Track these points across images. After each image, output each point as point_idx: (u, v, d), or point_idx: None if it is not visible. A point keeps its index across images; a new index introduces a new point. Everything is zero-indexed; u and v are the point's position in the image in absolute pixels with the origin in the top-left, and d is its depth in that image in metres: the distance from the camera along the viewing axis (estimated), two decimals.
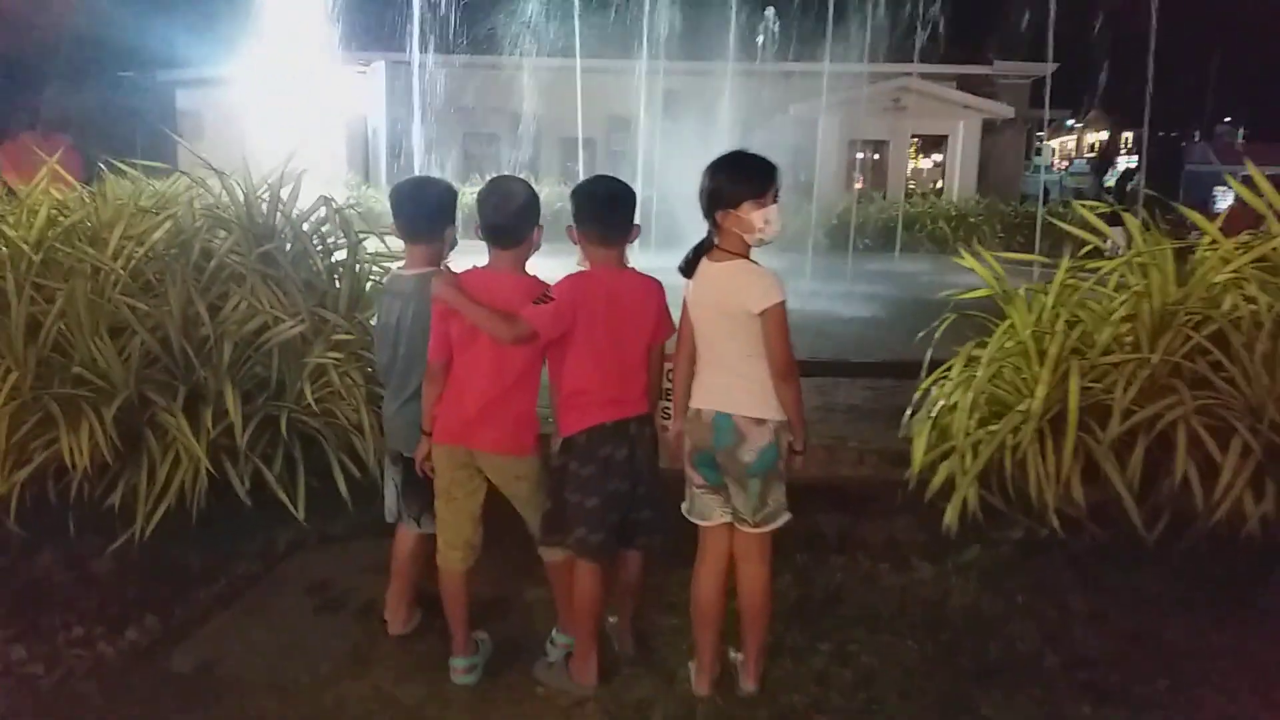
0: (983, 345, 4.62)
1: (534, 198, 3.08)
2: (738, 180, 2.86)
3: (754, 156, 2.92)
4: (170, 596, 3.67)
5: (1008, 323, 4.57)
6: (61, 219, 4.98)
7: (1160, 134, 29.92)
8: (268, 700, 3.04)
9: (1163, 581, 3.86)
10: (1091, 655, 3.38)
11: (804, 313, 9.99)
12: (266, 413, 4.41)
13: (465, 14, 19.71)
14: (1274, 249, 4.33)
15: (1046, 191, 22.51)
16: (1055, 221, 5.80)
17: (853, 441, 5.16)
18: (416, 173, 16.35)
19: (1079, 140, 56.54)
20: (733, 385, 2.92)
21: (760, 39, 19.59)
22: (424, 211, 3.25)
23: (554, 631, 3.33)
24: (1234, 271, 4.29)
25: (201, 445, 4.14)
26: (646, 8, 16.47)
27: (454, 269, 3.21)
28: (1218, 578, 3.86)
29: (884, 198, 20.93)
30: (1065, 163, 53.55)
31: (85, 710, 3.00)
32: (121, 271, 4.49)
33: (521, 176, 3.29)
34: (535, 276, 3.06)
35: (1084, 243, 4.94)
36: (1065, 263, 4.54)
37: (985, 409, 4.47)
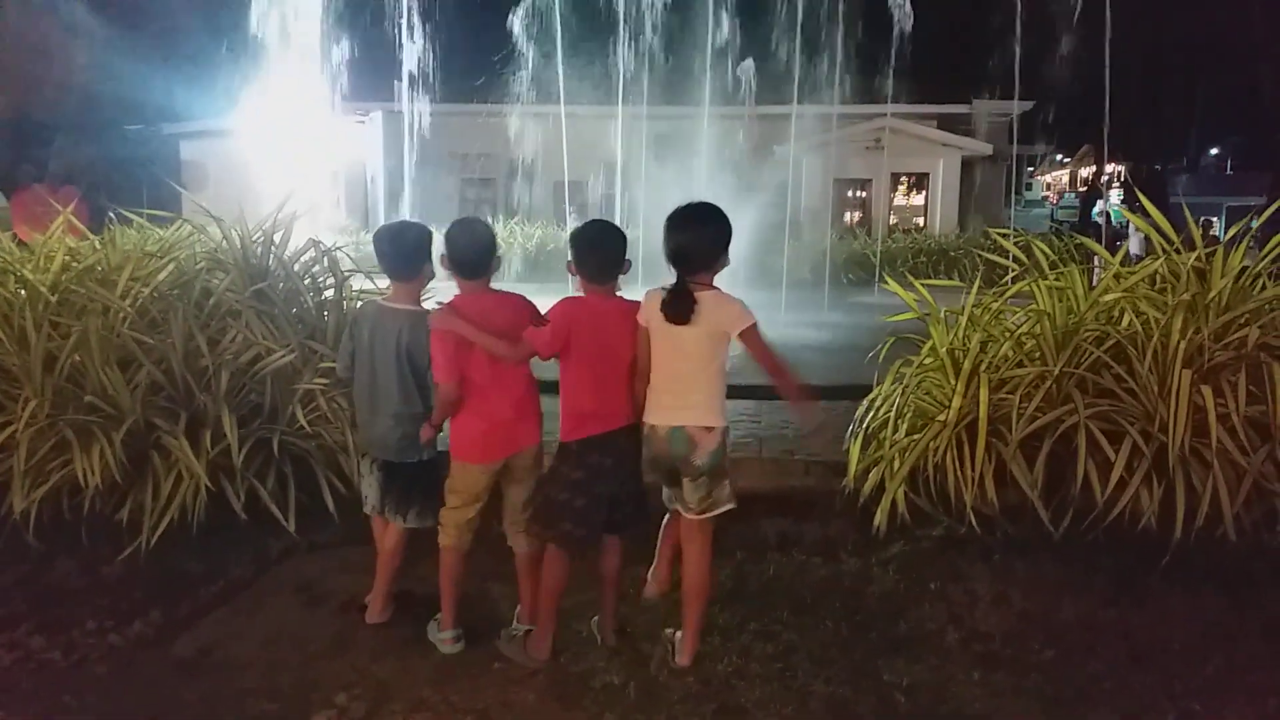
0: (910, 363, 5.10)
1: (493, 236, 3.61)
2: (729, 228, 3.46)
3: None
4: (173, 596, 4.12)
5: (930, 342, 5.04)
6: (75, 264, 5.49)
7: (1149, 166, 30.56)
8: (259, 676, 3.48)
9: (1063, 570, 4.29)
10: (989, 631, 3.82)
11: (779, 343, 10.51)
12: (260, 435, 4.86)
13: (460, 64, 20.46)
14: (1160, 271, 4.82)
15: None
16: (983, 254, 6.30)
17: (800, 455, 5.62)
18: (409, 218, 16.91)
19: (1072, 174, 57.57)
20: (688, 401, 3.41)
21: (742, 84, 20.30)
22: (403, 253, 3.76)
23: (514, 621, 3.76)
24: (1125, 291, 4.77)
25: (201, 465, 4.58)
26: (633, 57, 17.18)
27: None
28: (1113, 566, 4.30)
29: (867, 234, 21.51)
30: (1056, 197, 54.52)
31: (98, 687, 3.43)
32: (129, 309, 4.99)
33: (482, 219, 3.79)
34: (517, 294, 3.58)
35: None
36: (976, 285, 5.04)
37: (912, 420, 4.92)
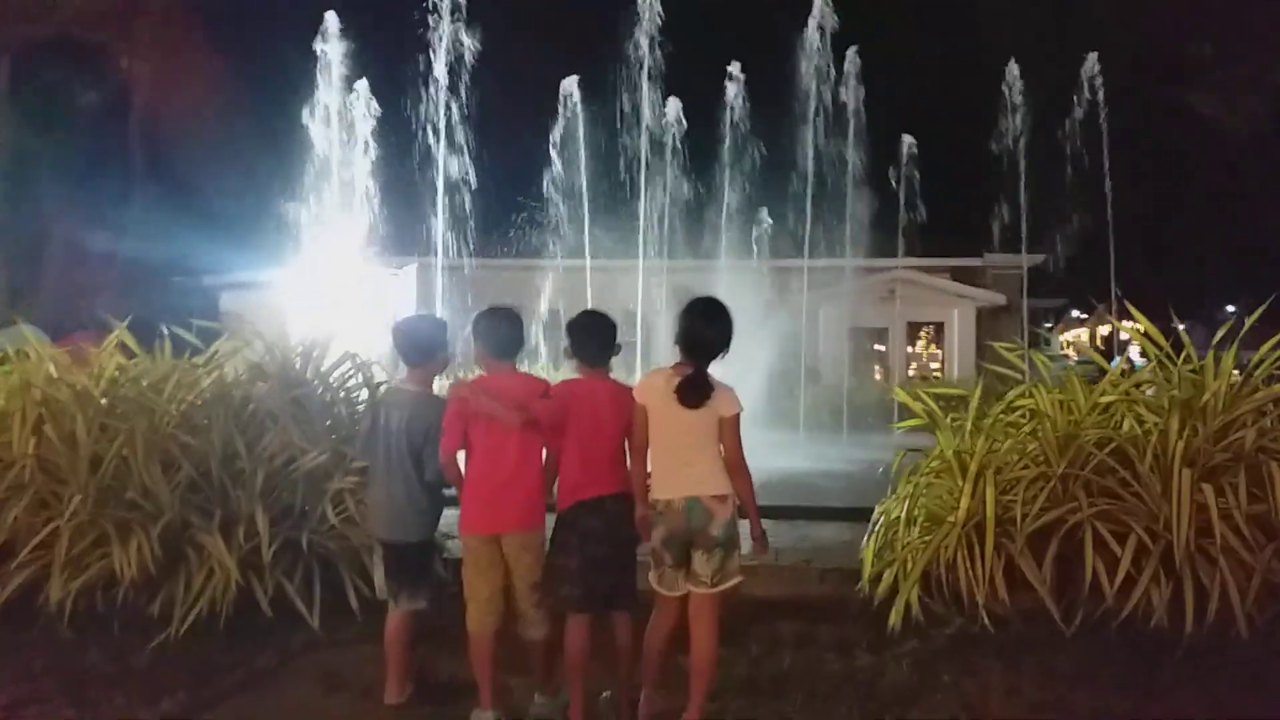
0: (919, 471, 5.25)
1: (522, 327, 3.94)
2: None
3: None
4: (199, 681, 4.21)
5: (938, 447, 5.21)
6: (123, 376, 5.81)
7: (1165, 324, 30.88)
8: None
9: (1075, 664, 4.32)
10: (1001, 718, 3.84)
11: (800, 474, 10.73)
12: (290, 535, 5.03)
13: (491, 220, 21.43)
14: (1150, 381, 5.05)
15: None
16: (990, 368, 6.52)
17: (816, 564, 5.71)
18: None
19: (1091, 333, 58.58)
20: (697, 472, 3.59)
21: (759, 237, 21.13)
22: (413, 340, 4.08)
23: (535, 696, 3.85)
24: (1122, 394, 4.97)
25: (233, 561, 4.76)
26: (654, 211, 18.06)
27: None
28: (1125, 661, 4.32)
29: (886, 381, 21.79)
30: (1076, 354, 55.38)
31: None
32: (174, 413, 5.27)
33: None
34: (537, 377, 3.90)
35: None
36: (977, 391, 5.24)
37: (923, 523, 5.04)
